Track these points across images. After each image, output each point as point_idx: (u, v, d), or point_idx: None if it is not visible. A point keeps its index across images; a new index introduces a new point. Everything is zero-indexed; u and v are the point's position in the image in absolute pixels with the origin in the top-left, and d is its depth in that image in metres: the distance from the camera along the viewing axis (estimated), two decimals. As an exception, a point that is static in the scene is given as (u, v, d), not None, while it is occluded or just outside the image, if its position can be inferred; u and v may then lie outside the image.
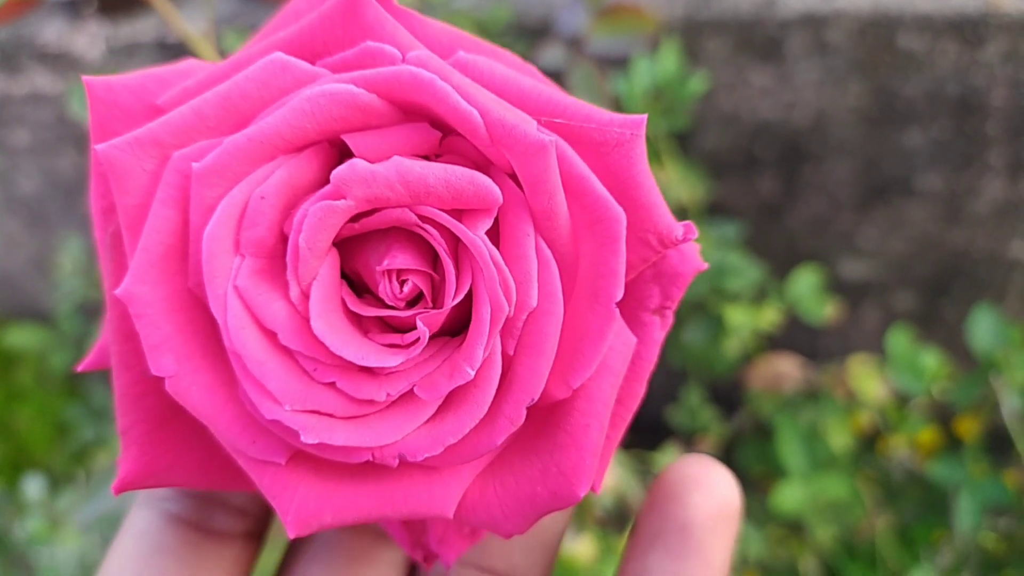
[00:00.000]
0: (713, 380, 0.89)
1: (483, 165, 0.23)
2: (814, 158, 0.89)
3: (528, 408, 0.22)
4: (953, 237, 0.94)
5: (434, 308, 0.23)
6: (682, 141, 0.88)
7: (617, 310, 0.22)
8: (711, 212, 0.90)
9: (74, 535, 0.83)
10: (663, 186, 0.74)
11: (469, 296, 0.23)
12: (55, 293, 1.10)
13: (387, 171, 0.21)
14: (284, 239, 0.23)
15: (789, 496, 0.74)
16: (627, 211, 0.23)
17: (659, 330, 0.25)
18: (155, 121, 0.23)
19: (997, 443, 0.86)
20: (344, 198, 0.22)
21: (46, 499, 0.88)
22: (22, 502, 0.92)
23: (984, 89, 0.79)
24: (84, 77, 0.24)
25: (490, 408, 0.22)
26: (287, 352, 0.22)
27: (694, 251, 0.25)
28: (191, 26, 0.49)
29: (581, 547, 0.60)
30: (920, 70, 0.79)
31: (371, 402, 0.22)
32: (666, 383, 1.02)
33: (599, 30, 0.56)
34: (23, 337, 1.10)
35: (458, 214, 0.23)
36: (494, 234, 0.23)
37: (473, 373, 0.22)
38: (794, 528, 0.91)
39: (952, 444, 0.93)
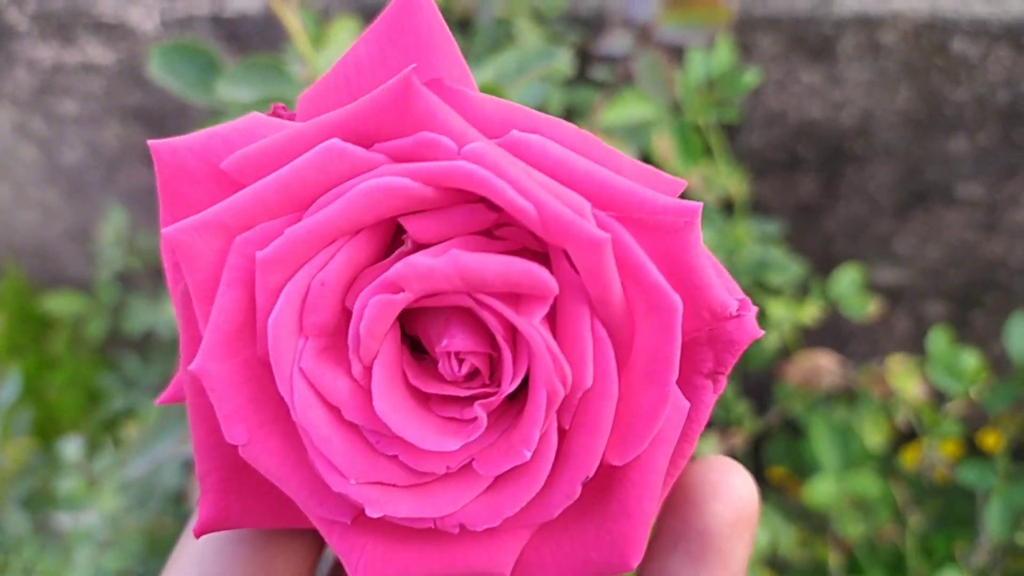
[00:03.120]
0: (747, 374, 0.90)
1: (543, 242, 0.23)
2: (857, 160, 0.90)
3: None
4: (991, 247, 0.94)
5: (492, 384, 0.24)
6: (727, 138, 0.89)
7: (672, 391, 0.23)
8: (751, 210, 0.91)
9: (110, 495, 0.84)
10: (711, 177, 0.75)
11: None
12: (95, 261, 1.11)
13: (445, 266, 0.22)
14: (347, 314, 0.23)
15: (821, 491, 0.74)
16: (681, 289, 0.23)
17: (711, 394, 0.25)
18: (218, 205, 0.23)
19: (1027, 452, 0.86)
20: (402, 291, 0.22)
21: (83, 460, 0.89)
22: (57, 463, 0.94)
23: (1033, 98, 0.80)
24: (149, 141, 0.24)
25: (546, 483, 0.23)
26: (351, 426, 0.23)
27: (751, 318, 0.25)
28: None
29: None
30: (972, 76, 0.79)
31: (432, 473, 0.23)
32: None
33: (670, 19, 0.57)
34: (61, 303, 1.12)
35: (515, 297, 0.23)
36: (552, 311, 0.23)
37: (529, 455, 0.23)
38: (817, 529, 0.91)
39: (976, 457, 0.94)
